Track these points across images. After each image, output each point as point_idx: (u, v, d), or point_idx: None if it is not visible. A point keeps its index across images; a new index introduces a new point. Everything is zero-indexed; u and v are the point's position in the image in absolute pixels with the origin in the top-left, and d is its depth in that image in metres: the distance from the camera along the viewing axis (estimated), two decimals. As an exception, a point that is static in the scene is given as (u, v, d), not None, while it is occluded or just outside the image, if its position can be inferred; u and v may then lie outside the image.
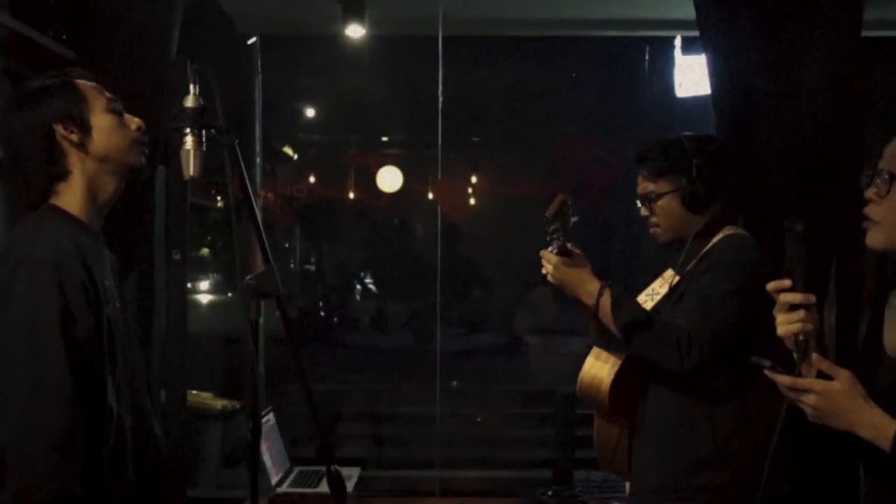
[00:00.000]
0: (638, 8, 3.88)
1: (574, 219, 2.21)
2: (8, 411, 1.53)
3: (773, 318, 1.51)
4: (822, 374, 1.38)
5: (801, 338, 1.38)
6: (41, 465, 1.51)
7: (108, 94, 1.76)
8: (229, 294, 5.80)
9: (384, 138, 6.28)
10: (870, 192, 1.42)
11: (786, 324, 1.40)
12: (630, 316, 2.09)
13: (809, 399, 1.36)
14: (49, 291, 1.54)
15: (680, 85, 4.61)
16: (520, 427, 4.86)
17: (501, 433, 4.80)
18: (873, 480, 1.49)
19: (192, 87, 1.71)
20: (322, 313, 6.52)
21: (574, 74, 5.84)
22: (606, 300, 2.12)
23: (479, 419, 4.78)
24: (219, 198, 5.28)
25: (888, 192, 1.37)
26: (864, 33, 3.18)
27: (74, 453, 1.54)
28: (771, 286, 1.41)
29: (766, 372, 1.40)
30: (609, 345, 2.26)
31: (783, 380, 1.39)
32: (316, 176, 5.92)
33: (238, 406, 4.29)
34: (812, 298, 1.38)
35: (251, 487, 1.85)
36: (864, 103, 3.00)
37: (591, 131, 5.42)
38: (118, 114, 1.75)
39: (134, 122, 1.77)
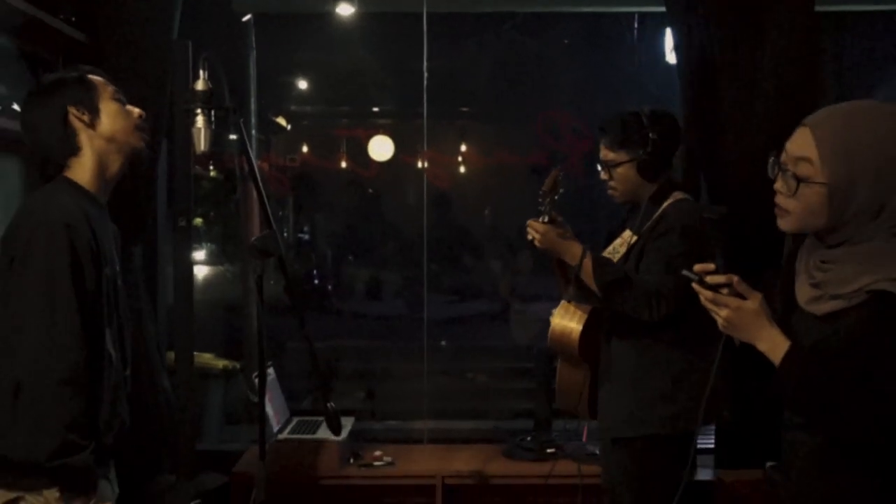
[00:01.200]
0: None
1: (560, 190, 2.48)
2: (25, 349, 1.78)
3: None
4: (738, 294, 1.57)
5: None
6: (55, 397, 1.77)
7: (113, 87, 2.02)
8: (225, 265, 5.95)
9: (375, 108, 6.43)
10: (779, 185, 1.59)
11: (711, 305, 1.58)
12: (610, 276, 2.39)
13: (724, 312, 1.56)
14: (63, 248, 1.79)
15: (671, 50, 4.75)
16: (502, 381, 5.13)
17: (486, 386, 5.07)
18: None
19: (201, 72, 1.94)
20: (316, 281, 6.69)
21: (566, 41, 5.93)
22: (588, 262, 2.41)
23: (470, 376, 5.04)
24: (212, 168, 5.44)
25: (796, 191, 1.54)
26: (827, 8, 3.39)
27: (82, 388, 1.81)
28: (697, 268, 1.60)
29: (693, 285, 1.60)
30: (586, 300, 2.55)
31: (705, 293, 1.59)
32: (309, 147, 6.10)
33: (238, 366, 4.52)
34: (733, 278, 1.56)
35: (259, 428, 2.07)
36: (816, 71, 3.22)
37: (580, 100, 5.57)
38: (122, 102, 2.02)
39: (135, 110, 2.04)
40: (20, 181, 2.95)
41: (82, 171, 1.97)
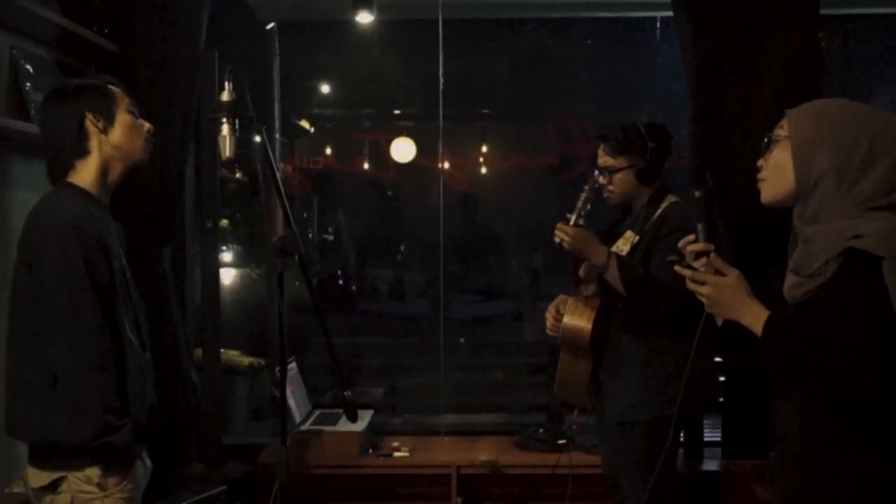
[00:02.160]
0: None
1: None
2: (57, 344, 1.93)
3: None
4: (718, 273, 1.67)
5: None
6: (89, 384, 1.93)
7: (129, 99, 2.17)
8: (252, 266, 6.05)
9: (396, 111, 6.55)
10: (760, 162, 1.72)
11: (693, 284, 1.69)
12: (633, 276, 2.59)
13: (705, 289, 1.66)
14: (74, 247, 1.94)
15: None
16: (519, 376, 5.28)
17: (502, 381, 5.21)
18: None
19: (226, 83, 2.09)
20: (340, 282, 6.81)
21: (588, 41, 5.99)
22: (613, 263, 2.60)
23: (461, 340, 5.18)
24: (238, 171, 5.59)
25: (768, 151, 1.68)
26: (830, 11, 3.47)
27: (112, 373, 1.97)
28: (681, 243, 1.74)
29: (675, 267, 1.72)
30: (606, 296, 2.72)
31: (686, 273, 1.71)
32: (332, 149, 6.25)
33: (263, 363, 4.67)
34: (711, 247, 1.69)
35: (281, 413, 2.22)
36: (819, 71, 3.31)
37: (602, 100, 5.67)
38: (135, 115, 2.16)
39: (146, 125, 2.19)
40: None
41: (87, 173, 2.10)
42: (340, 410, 3.72)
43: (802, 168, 1.61)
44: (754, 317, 1.61)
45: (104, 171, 2.11)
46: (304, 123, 6.21)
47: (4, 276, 2.73)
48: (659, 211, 2.69)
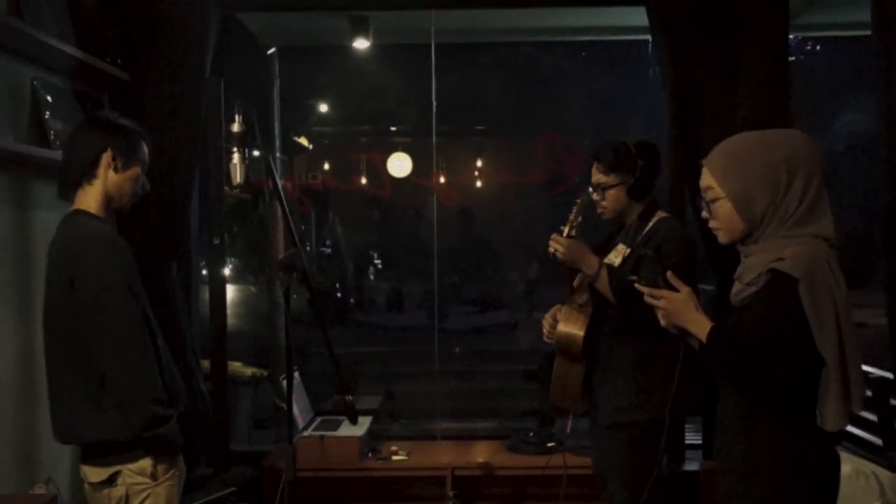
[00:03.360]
0: (611, 16, 4.31)
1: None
2: (103, 348, 2.13)
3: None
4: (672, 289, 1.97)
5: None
6: (136, 380, 2.13)
7: (148, 159, 2.38)
8: (249, 278, 6.18)
9: (392, 128, 6.73)
10: (704, 214, 1.99)
11: (650, 299, 2.01)
12: (622, 285, 2.73)
13: (661, 303, 1.95)
14: (113, 259, 2.15)
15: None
16: (512, 382, 5.47)
17: (495, 388, 5.40)
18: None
19: (236, 116, 2.30)
20: (339, 294, 6.96)
21: (584, 53, 6.12)
22: (605, 273, 2.77)
23: (456, 349, 5.38)
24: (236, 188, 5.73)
25: (712, 212, 1.95)
26: (798, 34, 3.67)
27: (156, 369, 2.17)
28: (635, 284, 2.06)
29: (636, 285, 2.00)
30: (597, 304, 2.90)
31: (644, 290, 2.00)
32: (330, 165, 6.44)
33: (265, 374, 4.84)
34: (668, 272, 1.99)
35: (287, 415, 2.42)
36: (788, 93, 3.51)
37: (593, 117, 5.85)
38: (144, 173, 2.37)
39: (147, 185, 2.40)
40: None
41: (92, 199, 2.29)
42: (341, 417, 3.92)
43: (747, 215, 1.89)
44: (700, 327, 1.91)
45: (108, 196, 2.31)
46: (303, 140, 6.38)
47: (25, 288, 2.95)
48: (649, 226, 2.86)
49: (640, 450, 2.82)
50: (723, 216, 1.93)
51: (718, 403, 2.02)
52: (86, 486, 2.26)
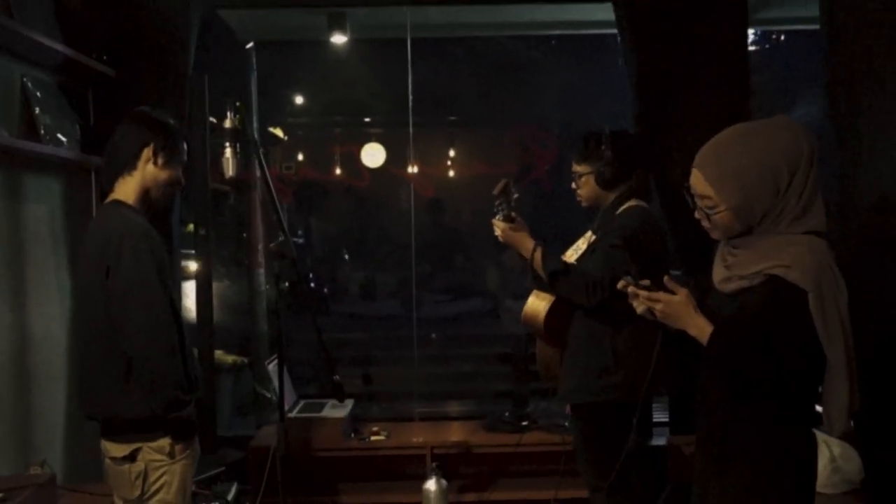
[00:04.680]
0: (580, 11, 4.44)
1: (515, 195, 2.96)
2: (132, 334, 2.24)
3: (651, 264, 2.21)
4: (668, 290, 1.93)
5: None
6: (162, 366, 2.25)
7: (186, 157, 2.49)
8: (223, 270, 6.21)
9: (366, 119, 6.82)
10: (698, 215, 1.93)
11: (637, 306, 1.99)
12: (553, 266, 2.87)
13: (658, 306, 1.90)
14: (147, 252, 2.27)
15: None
16: (485, 365, 5.64)
17: (470, 371, 5.56)
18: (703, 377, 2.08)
19: (228, 112, 2.42)
20: (312, 284, 7.04)
21: (553, 42, 6.17)
22: (538, 255, 2.88)
23: (433, 335, 5.55)
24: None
25: (710, 219, 1.91)
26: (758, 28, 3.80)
27: (179, 357, 2.30)
28: (619, 285, 2.01)
29: (630, 288, 1.97)
30: (542, 288, 3.03)
31: (641, 293, 1.93)
32: (305, 157, 6.53)
33: (246, 361, 4.95)
34: (665, 277, 1.94)
35: (279, 398, 2.55)
36: (747, 80, 3.67)
37: (569, 102, 5.93)
38: (180, 175, 2.48)
39: (181, 180, 2.51)
40: (62, 199, 3.39)
41: (129, 189, 2.41)
42: (324, 400, 4.06)
43: (747, 221, 1.86)
44: (700, 330, 1.87)
45: (144, 190, 2.43)
46: (278, 131, 6.44)
47: (17, 278, 3.06)
48: (617, 213, 2.95)
49: (588, 430, 2.96)
50: (721, 224, 1.90)
51: (698, 386, 2.04)
52: (106, 460, 2.39)
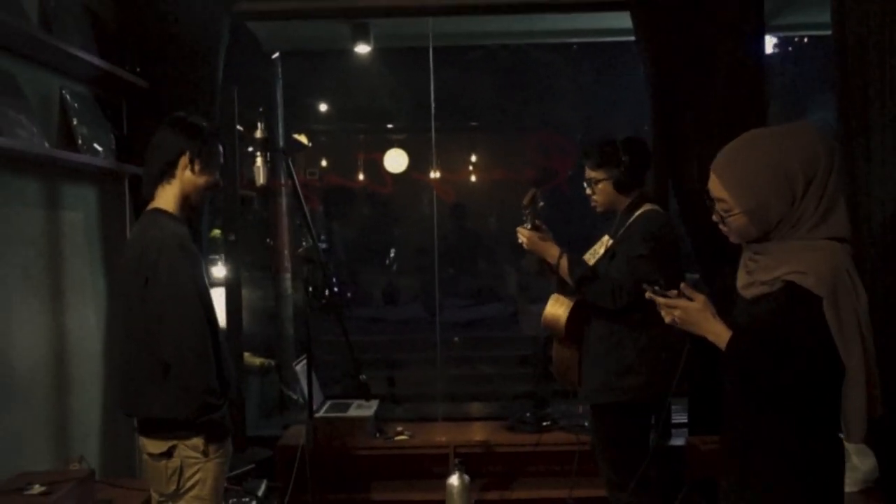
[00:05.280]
0: (599, 20, 4.54)
1: (541, 204, 3.09)
2: (168, 339, 2.35)
3: (671, 268, 2.25)
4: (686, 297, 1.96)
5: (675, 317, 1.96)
6: (195, 373, 2.36)
7: (221, 159, 2.58)
8: (246, 275, 6.30)
9: (389, 125, 6.92)
10: (715, 218, 1.95)
11: (665, 316, 2.00)
12: (580, 272, 3.01)
13: (677, 312, 1.93)
14: (182, 263, 2.38)
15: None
16: (506, 367, 5.73)
17: (493, 372, 5.65)
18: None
19: (259, 123, 2.53)
20: (335, 289, 7.10)
21: (575, 47, 6.21)
22: (564, 262, 3.03)
23: (455, 339, 5.64)
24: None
25: (724, 223, 1.94)
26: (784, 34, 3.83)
27: (212, 362, 2.40)
28: (646, 295, 2.03)
29: (650, 295, 2.02)
30: (566, 292, 3.13)
31: (659, 300, 1.97)
32: (329, 163, 6.63)
33: (273, 363, 5.06)
34: (683, 284, 1.98)
35: (308, 396, 2.66)
36: (763, 87, 3.73)
37: (585, 113, 6.00)
38: (218, 169, 2.58)
39: (220, 183, 2.61)
40: (97, 206, 3.52)
41: (168, 198, 2.52)
42: (350, 401, 4.17)
43: (762, 225, 1.87)
44: (717, 336, 1.90)
45: (184, 197, 2.53)
46: (302, 138, 6.56)
47: (55, 283, 3.18)
48: (633, 217, 3.04)
49: (611, 430, 3.05)
50: (736, 228, 1.92)
51: (724, 394, 2.05)
52: (144, 456, 2.51)
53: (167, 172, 2.50)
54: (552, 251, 3.04)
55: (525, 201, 3.05)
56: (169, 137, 2.51)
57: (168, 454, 2.44)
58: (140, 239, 2.47)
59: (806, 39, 5.39)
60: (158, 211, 2.51)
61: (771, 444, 1.90)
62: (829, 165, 1.82)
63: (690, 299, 1.94)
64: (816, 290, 1.76)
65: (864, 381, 1.77)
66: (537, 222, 3.07)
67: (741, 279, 1.99)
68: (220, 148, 2.59)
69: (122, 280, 2.52)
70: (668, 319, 2.01)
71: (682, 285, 1.98)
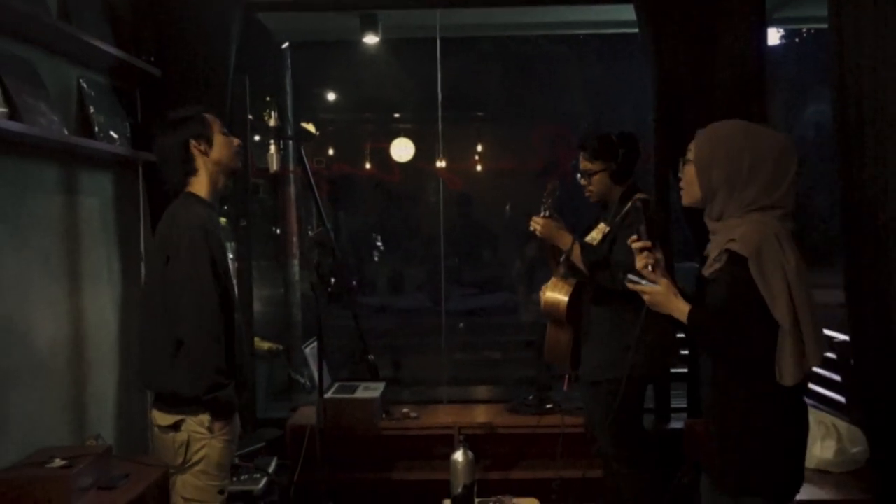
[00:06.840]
0: (604, 12, 4.62)
1: (557, 194, 3.31)
2: (182, 320, 2.47)
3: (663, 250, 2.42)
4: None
5: (648, 267, 2.20)
6: (206, 352, 2.47)
7: (220, 121, 2.69)
8: (253, 260, 6.39)
9: (396, 115, 6.98)
10: (679, 174, 2.23)
11: (640, 260, 2.22)
12: (594, 258, 3.19)
13: (646, 297, 2.19)
14: (203, 245, 2.49)
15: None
16: (509, 352, 5.85)
17: (496, 358, 5.76)
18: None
19: (273, 112, 2.63)
20: (345, 274, 7.15)
21: (581, 37, 6.28)
22: (577, 248, 3.22)
23: (461, 325, 5.75)
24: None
25: (682, 170, 2.21)
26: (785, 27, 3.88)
27: (222, 343, 2.51)
28: (629, 241, 2.26)
29: (628, 284, 2.23)
30: (573, 276, 3.29)
31: (637, 288, 2.22)
32: (336, 151, 6.70)
33: (281, 348, 5.15)
34: (649, 244, 2.20)
35: (319, 374, 2.76)
36: (763, 80, 3.80)
37: (591, 104, 6.07)
38: (226, 134, 2.69)
39: (235, 140, 2.72)
40: (113, 192, 3.62)
41: (200, 186, 2.65)
42: (357, 383, 4.27)
43: (703, 182, 2.14)
44: (680, 312, 2.14)
45: (213, 182, 2.65)
46: (310, 127, 6.63)
47: (74, 266, 3.28)
48: (627, 206, 3.18)
49: (613, 405, 3.12)
50: (686, 177, 2.20)
51: (700, 367, 2.31)
52: (154, 428, 2.62)
53: (188, 170, 2.61)
54: (565, 238, 3.24)
55: (546, 192, 3.26)
56: (168, 141, 2.62)
57: (175, 427, 2.55)
58: (169, 220, 2.58)
59: (806, 31, 5.46)
60: (190, 194, 2.63)
61: (739, 409, 2.12)
62: (780, 160, 2.07)
63: (656, 284, 2.17)
64: (741, 252, 2.00)
65: (792, 330, 1.98)
66: (551, 211, 3.25)
67: (706, 264, 2.21)
68: (209, 116, 2.68)
69: (151, 258, 2.63)
70: (647, 301, 2.23)
71: (650, 269, 2.19)
